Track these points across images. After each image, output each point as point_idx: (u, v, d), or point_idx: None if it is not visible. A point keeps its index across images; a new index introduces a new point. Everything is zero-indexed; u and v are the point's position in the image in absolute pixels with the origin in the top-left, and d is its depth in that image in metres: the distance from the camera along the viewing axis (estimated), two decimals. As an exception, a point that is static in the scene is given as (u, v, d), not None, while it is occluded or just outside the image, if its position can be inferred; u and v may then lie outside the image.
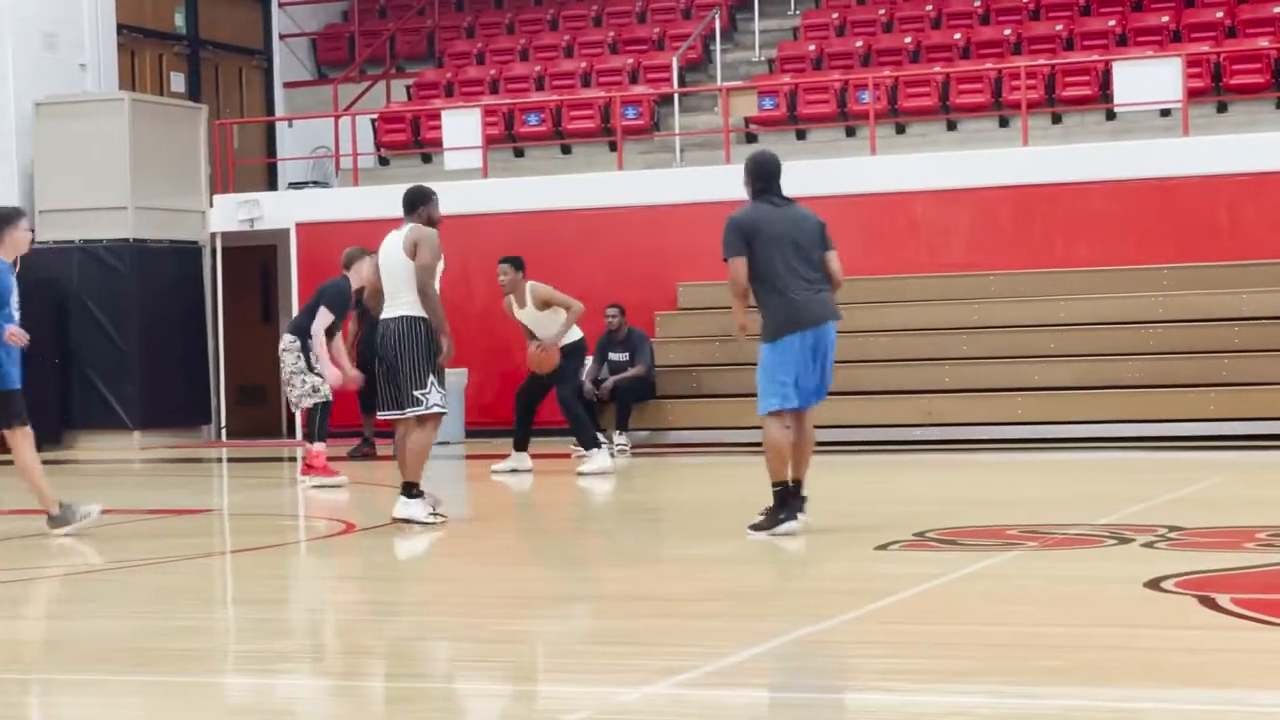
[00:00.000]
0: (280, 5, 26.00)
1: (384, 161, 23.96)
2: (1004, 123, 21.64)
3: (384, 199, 21.64)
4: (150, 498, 15.07)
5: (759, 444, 18.13)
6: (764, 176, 10.72)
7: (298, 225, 21.12)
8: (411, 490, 11.62)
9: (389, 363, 11.65)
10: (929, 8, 23.95)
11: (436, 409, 11.67)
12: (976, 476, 15.81)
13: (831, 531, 11.41)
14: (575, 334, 15.83)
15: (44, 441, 20.95)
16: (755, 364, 19.47)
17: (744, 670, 6.81)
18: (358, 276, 14.85)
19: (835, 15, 24.30)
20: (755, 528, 10.63)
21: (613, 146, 22.48)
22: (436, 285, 11.61)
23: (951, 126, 21.99)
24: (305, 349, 14.81)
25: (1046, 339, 18.89)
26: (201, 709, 6.63)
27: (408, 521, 11.58)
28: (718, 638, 7.54)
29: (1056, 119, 21.51)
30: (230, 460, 20.17)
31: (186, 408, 22.19)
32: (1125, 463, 16.49)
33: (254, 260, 23.22)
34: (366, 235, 20.19)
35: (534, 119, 23.27)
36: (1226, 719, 5.92)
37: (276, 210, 21.64)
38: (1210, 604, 7.74)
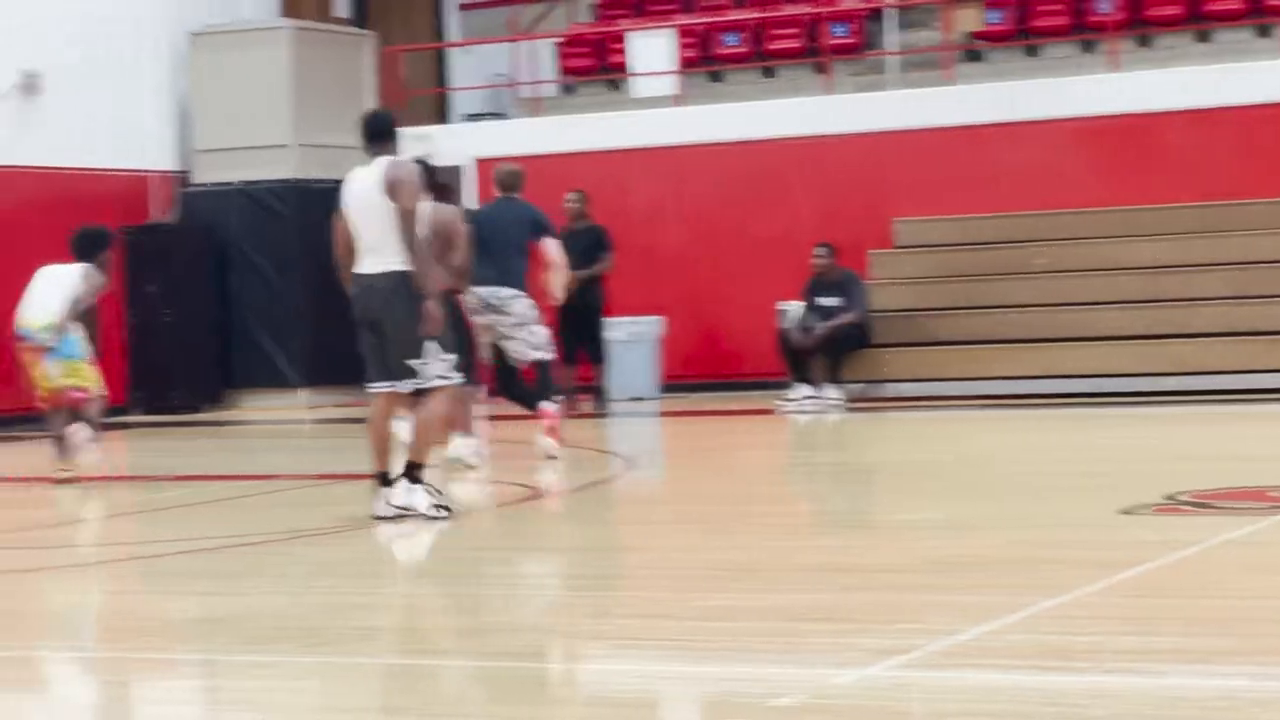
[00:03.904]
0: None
1: (568, 89, 24.02)
2: (1263, 31, 21.23)
3: (569, 131, 21.87)
4: (318, 461, 15.31)
5: (986, 396, 18.20)
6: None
7: (476, 161, 21.13)
8: (417, 473, 10.84)
9: (374, 326, 10.90)
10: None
11: (438, 381, 10.90)
12: (1235, 431, 15.53)
13: (1071, 493, 11.28)
14: None
15: (204, 401, 21.61)
16: (983, 308, 19.49)
17: (972, 650, 6.72)
18: None
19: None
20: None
21: (820, 68, 22.39)
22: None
23: (1203, 38, 21.57)
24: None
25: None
26: (379, 692, 6.77)
27: (404, 512, 10.78)
28: (942, 613, 7.46)
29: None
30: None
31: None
32: None
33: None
34: (550, 170, 20.42)
35: (733, 39, 23.26)
36: None
37: (451, 145, 21.53)
38: None
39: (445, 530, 11.27)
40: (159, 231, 21.49)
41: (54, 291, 14.31)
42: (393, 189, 10.65)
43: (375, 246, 10.76)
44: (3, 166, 19.50)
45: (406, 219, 10.70)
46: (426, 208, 11.26)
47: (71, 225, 18.81)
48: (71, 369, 14.30)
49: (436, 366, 10.79)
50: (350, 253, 10.88)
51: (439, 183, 13.67)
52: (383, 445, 10.94)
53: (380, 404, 11.02)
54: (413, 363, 10.70)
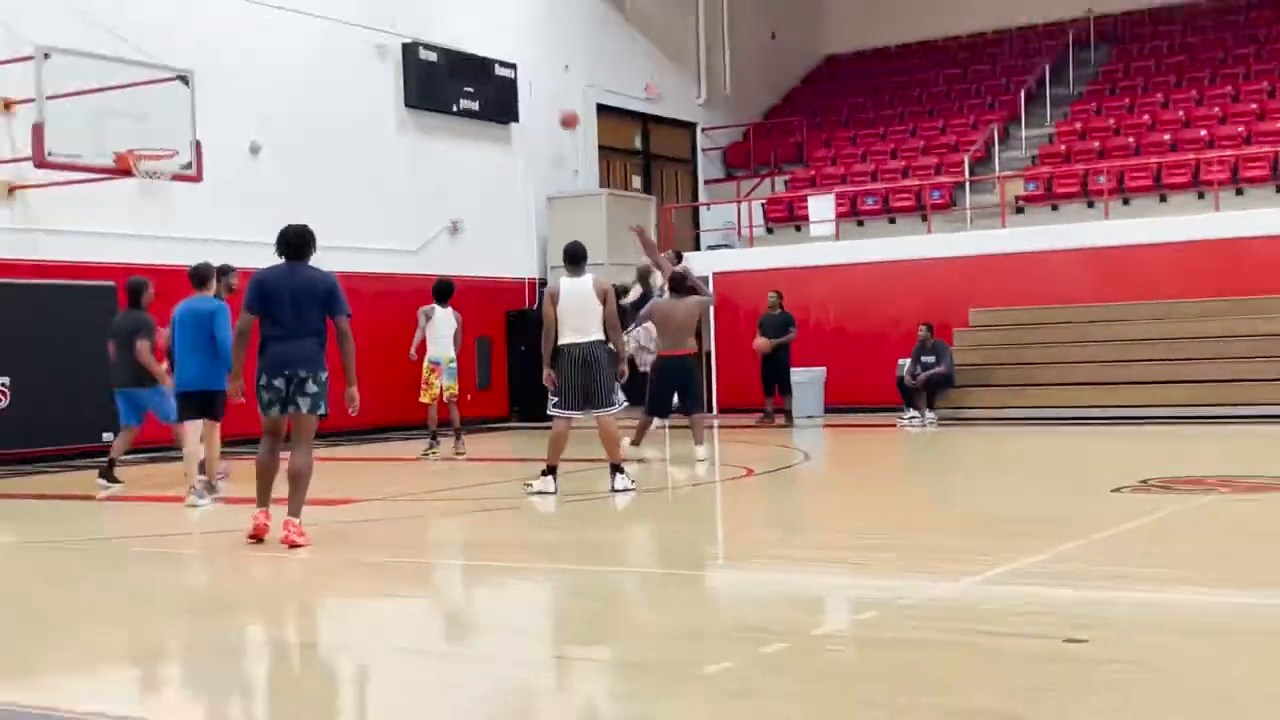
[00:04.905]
0: (702, 130, 26.32)
1: (769, 230, 24.08)
2: (1200, 195, 20.88)
3: (771, 255, 22.04)
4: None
5: (1034, 419, 17.89)
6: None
7: (714, 274, 21.33)
8: (622, 472, 10.35)
9: (595, 375, 10.15)
10: (1145, 117, 23.31)
11: (619, 407, 10.40)
12: (1190, 444, 15.00)
13: (1073, 478, 10.88)
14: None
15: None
16: (1028, 364, 19.09)
17: (1021, 573, 6.43)
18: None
19: (1079, 125, 23.83)
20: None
21: (924, 218, 22.35)
22: None
23: (1163, 199, 21.30)
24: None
25: None
26: (638, 595, 6.56)
27: (626, 491, 10.18)
28: (999, 553, 7.04)
29: (1240, 191, 20.71)
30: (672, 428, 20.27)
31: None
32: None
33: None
34: (760, 279, 20.59)
35: (870, 201, 23.34)
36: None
37: (702, 263, 21.56)
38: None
39: (680, 492, 10.98)
40: (527, 314, 21.58)
41: (447, 332, 14.64)
42: (605, 296, 10.18)
43: (584, 326, 10.14)
44: (441, 274, 20.00)
45: (617, 314, 10.33)
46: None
47: (478, 310, 19.51)
48: (454, 384, 14.70)
49: (619, 399, 10.37)
50: (554, 328, 10.15)
51: (686, 284, 13.61)
52: (556, 448, 10.30)
53: (561, 426, 10.31)
54: (609, 397, 10.27)
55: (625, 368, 10.56)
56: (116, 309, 13.09)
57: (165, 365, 11.84)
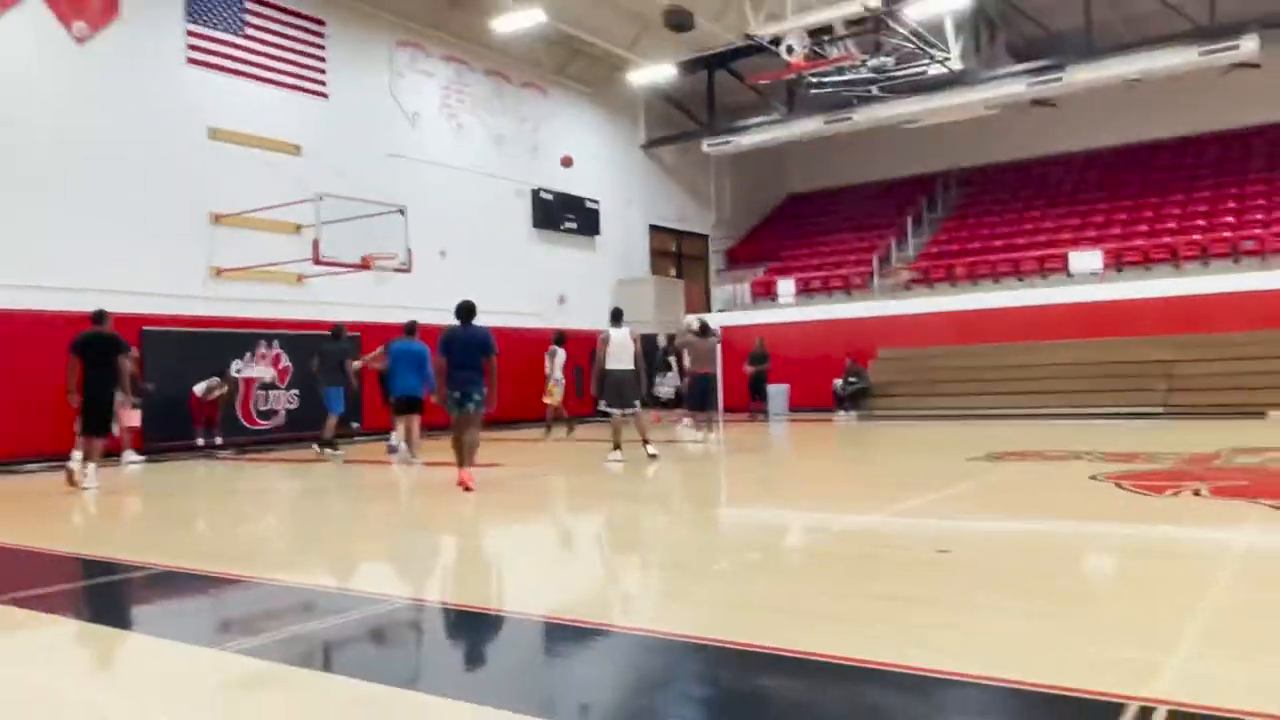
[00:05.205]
0: (713, 239, 26.02)
1: (754, 300, 23.68)
2: (1020, 279, 20.38)
3: (756, 316, 21.70)
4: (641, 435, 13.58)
5: (919, 416, 17.58)
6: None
7: (721, 326, 20.72)
8: (649, 442, 10.17)
9: (628, 388, 9.95)
10: (986, 231, 22.90)
11: (639, 410, 10.13)
12: (1026, 430, 14.73)
13: (937, 449, 10.60)
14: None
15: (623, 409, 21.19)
16: (913, 381, 18.71)
17: (922, 509, 6.23)
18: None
19: (947, 237, 23.43)
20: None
21: (848, 293, 22.09)
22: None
23: (996, 281, 20.69)
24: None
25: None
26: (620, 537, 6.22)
27: (654, 456, 10.00)
28: (909, 494, 6.97)
29: (1045, 276, 20.29)
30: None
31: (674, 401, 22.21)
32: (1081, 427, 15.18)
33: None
34: (750, 330, 20.37)
35: (816, 282, 22.92)
36: (1116, 536, 5.33)
37: (714, 320, 21.18)
38: (1120, 486, 7.09)
39: (697, 460, 10.47)
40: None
41: (558, 362, 14.52)
42: (635, 340, 10.05)
43: (622, 359, 9.97)
44: (554, 327, 19.63)
45: (641, 356, 10.09)
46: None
47: (577, 350, 19.22)
48: (561, 393, 14.52)
49: (639, 404, 10.12)
50: (604, 361, 9.99)
51: (708, 330, 13.87)
52: (617, 434, 10.13)
53: (618, 419, 10.12)
54: (634, 401, 10.06)
55: (645, 385, 10.40)
56: (347, 346, 13.01)
57: (358, 367, 12.04)
